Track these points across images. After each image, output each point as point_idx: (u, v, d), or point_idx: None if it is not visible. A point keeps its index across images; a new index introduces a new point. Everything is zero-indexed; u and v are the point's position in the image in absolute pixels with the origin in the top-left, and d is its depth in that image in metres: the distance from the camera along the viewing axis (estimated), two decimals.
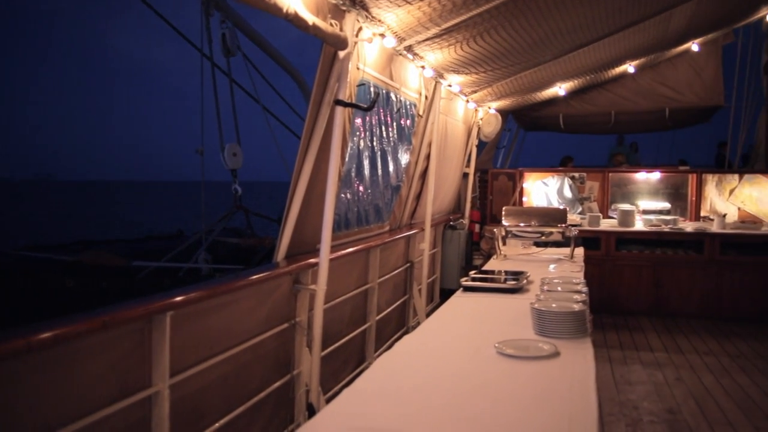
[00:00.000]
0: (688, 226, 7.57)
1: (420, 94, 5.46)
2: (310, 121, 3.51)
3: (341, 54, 3.48)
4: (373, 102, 3.86)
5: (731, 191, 8.04)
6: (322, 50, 3.43)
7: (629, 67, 9.61)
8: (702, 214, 8.00)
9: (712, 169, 9.80)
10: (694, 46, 10.12)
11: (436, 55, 5.11)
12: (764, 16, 9.80)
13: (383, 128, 4.74)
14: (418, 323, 4.57)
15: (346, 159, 4.08)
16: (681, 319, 7.14)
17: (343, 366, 4.56)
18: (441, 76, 5.79)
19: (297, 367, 3.66)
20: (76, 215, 43.42)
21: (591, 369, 2.31)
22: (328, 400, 2.23)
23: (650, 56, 9.58)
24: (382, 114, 4.67)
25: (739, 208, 7.97)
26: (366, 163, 4.51)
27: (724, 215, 7.61)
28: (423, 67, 5.22)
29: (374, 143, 4.60)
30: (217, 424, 2.84)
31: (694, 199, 8.08)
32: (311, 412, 3.49)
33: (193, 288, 2.69)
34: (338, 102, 3.50)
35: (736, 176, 8.21)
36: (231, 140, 6.54)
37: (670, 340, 6.34)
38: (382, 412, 1.97)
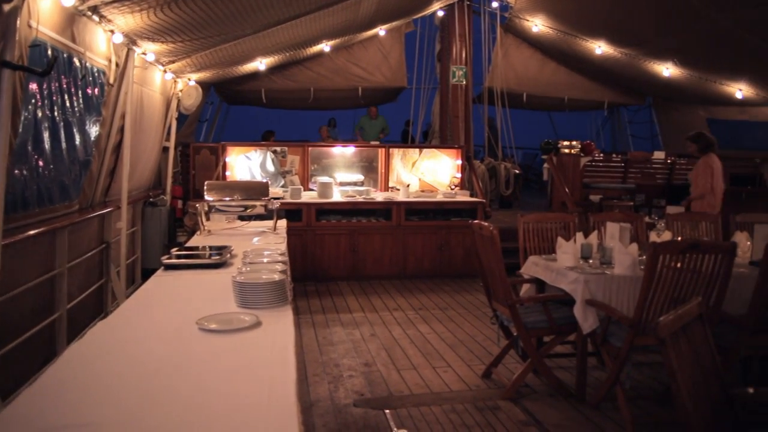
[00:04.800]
0: (379, 196, 8.33)
1: (110, 61, 5.03)
2: None
3: (6, 7, 3.02)
4: (50, 66, 3.44)
5: (413, 164, 9.05)
6: None
7: (325, 47, 10.12)
8: (390, 184, 8.86)
9: (398, 144, 10.91)
10: (381, 31, 11.07)
11: (127, 20, 4.75)
12: (436, 11, 11.14)
13: (66, 96, 4.26)
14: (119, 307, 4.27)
15: (20, 130, 3.58)
16: (375, 280, 7.87)
17: (28, 364, 4.06)
18: (134, 42, 5.41)
19: None
20: None
21: (291, 335, 2.42)
22: None
23: (344, 37, 10.20)
24: (64, 81, 4.19)
25: (420, 179, 9.03)
26: (46, 135, 4.01)
27: (408, 185, 8.54)
28: (112, 31, 4.81)
29: (55, 113, 4.11)
30: None
31: (384, 171, 8.90)
32: None
33: None
34: (5, 64, 3.04)
35: (417, 150, 9.26)
36: None
37: (366, 301, 6.96)
38: (72, 407, 1.80)
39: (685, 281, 3.69)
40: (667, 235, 4.87)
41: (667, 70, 10.02)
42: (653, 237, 4.84)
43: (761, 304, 3.80)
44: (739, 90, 10.03)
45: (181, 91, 7.96)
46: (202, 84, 8.76)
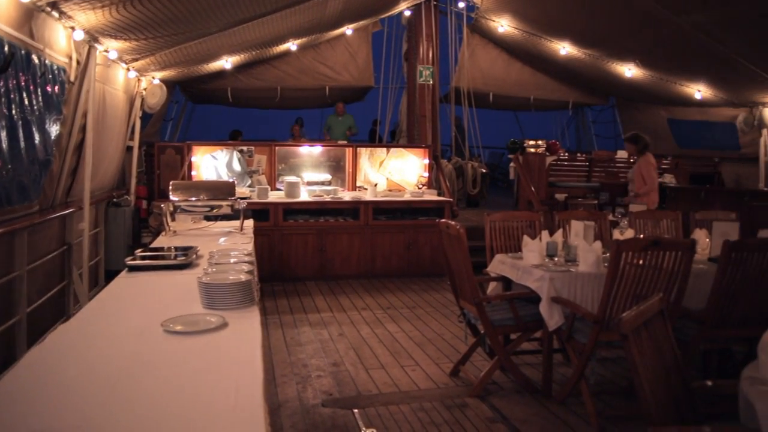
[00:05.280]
0: (347, 195, 8.31)
1: (71, 59, 4.93)
2: None
3: None
4: (7, 62, 3.36)
5: (381, 163, 9.05)
6: None
7: (292, 46, 10.07)
8: (358, 183, 8.85)
9: (365, 144, 10.91)
10: (348, 30, 11.06)
11: (88, 16, 4.66)
12: (403, 11, 11.17)
13: (24, 94, 4.16)
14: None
15: None
16: (343, 280, 7.86)
17: None
18: (96, 40, 5.31)
19: None
20: None
21: (257, 336, 2.40)
22: None
23: (311, 36, 10.16)
24: (22, 78, 4.09)
25: (387, 178, 9.04)
26: (4, 133, 3.91)
27: (376, 185, 8.55)
28: (72, 28, 4.71)
29: (13, 111, 4.01)
30: None
31: (351, 170, 8.89)
32: None
33: None
34: None
35: (385, 150, 9.27)
36: None
37: (334, 300, 6.94)
38: (32, 412, 1.76)
39: (647, 278, 3.77)
40: (629, 233, 4.96)
41: (629, 71, 10.22)
42: (616, 235, 4.93)
43: (719, 300, 3.90)
44: (698, 91, 10.27)
45: (145, 89, 7.84)
46: (167, 82, 8.65)
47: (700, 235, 4.94)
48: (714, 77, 9.57)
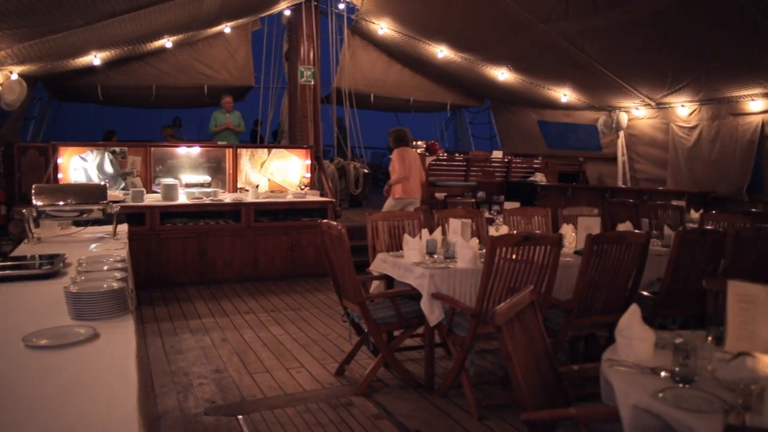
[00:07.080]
0: (227, 197, 8.10)
1: None
2: None
3: None
4: None
5: (263, 164, 8.92)
6: None
7: (167, 43, 9.69)
8: (239, 185, 8.66)
9: (246, 144, 10.69)
10: (227, 28, 10.80)
11: None
12: (283, 10, 11.07)
13: None
14: None
15: None
16: (225, 284, 7.66)
17: None
18: None
19: None
20: None
21: (132, 346, 2.29)
22: None
23: (187, 33, 9.83)
24: None
25: (269, 179, 8.92)
26: None
27: (257, 186, 8.41)
28: None
29: None
30: None
31: (231, 171, 8.68)
32: None
33: None
34: None
35: (266, 150, 9.14)
36: None
37: (216, 306, 6.75)
38: None
39: (520, 271, 3.98)
40: (504, 229, 5.21)
41: (502, 74, 10.73)
42: (492, 231, 5.16)
43: (584, 289, 4.19)
44: (564, 95, 10.98)
45: (1, 85, 7.23)
46: (27, 78, 8.03)
47: (567, 230, 5.28)
48: (577, 82, 10.28)
